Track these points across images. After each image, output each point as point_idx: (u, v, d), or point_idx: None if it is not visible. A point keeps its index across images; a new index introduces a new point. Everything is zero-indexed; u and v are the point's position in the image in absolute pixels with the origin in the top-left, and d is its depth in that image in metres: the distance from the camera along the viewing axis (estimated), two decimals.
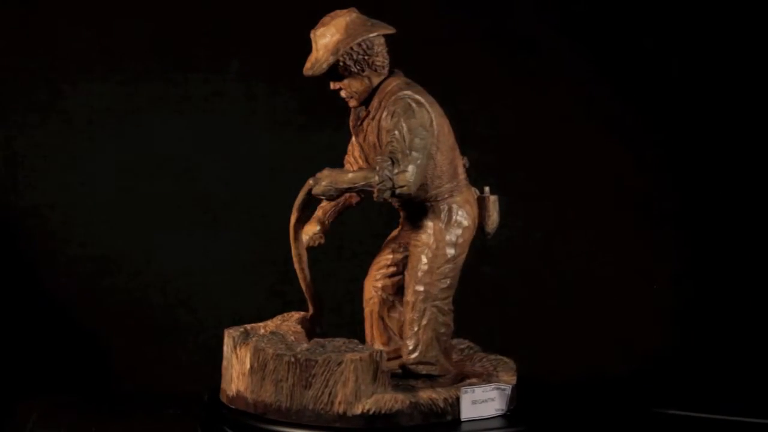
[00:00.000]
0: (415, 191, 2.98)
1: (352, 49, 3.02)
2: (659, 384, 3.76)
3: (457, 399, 2.93)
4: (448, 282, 3.05)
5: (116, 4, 4.06)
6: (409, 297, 3.06)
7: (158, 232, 4.06)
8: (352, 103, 3.09)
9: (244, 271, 4.07)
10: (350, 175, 2.99)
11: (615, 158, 4.12)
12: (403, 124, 2.98)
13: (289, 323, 3.17)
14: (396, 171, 2.95)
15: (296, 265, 3.18)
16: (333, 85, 3.09)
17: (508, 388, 2.96)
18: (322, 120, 4.01)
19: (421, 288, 3.04)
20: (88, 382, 3.75)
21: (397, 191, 2.96)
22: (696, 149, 4.10)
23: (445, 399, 2.93)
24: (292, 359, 2.92)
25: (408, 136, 2.97)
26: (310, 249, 3.19)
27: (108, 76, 4.06)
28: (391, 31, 3.07)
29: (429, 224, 3.07)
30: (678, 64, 4.11)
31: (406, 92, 3.01)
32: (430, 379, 3.03)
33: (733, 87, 4.08)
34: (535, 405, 3.10)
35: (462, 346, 3.22)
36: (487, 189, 3.12)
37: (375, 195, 2.97)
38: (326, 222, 3.23)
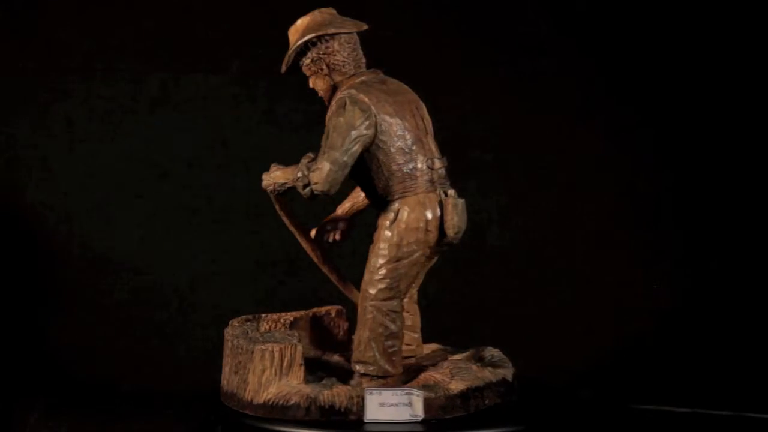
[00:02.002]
0: (330, 190, 2.94)
1: (308, 47, 3.03)
2: (658, 383, 3.76)
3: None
4: (388, 282, 2.97)
5: (116, 4, 4.06)
6: (360, 295, 3.06)
7: (158, 231, 4.06)
8: (326, 102, 3.10)
9: (244, 271, 4.07)
10: (285, 171, 3.02)
11: (615, 158, 4.13)
12: (332, 122, 2.96)
13: (289, 316, 3.20)
14: (312, 168, 2.95)
15: (311, 255, 3.18)
16: (310, 83, 3.12)
17: (421, 395, 2.89)
18: (322, 120, 4.00)
19: (364, 286, 3.01)
20: (88, 382, 3.75)
21: (312, 189, 2.95)
22: (696, 150, 4.11)
23: (351, 398, 2.90)
24: (231, 344, 3.02)
25: (332, 134, 2.95)
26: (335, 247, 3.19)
27: (108, 76, 4.06)
28: (344, 30, 3.04)
29: (379, 224, 3.03)
30: (678, 64, 4.11)
31: (351, 90, 2.99)
32: (370, 379, 2.99)
33: (733, 87, 4.08)
34: (534, 405, 3.10)
35: (485, 354, 3.15)
36: (451, 192, 3.00)
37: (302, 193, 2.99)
38: (342, 219, 3.22)
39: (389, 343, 3.00)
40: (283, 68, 3.09)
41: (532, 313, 4.03)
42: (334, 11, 3.12)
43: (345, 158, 2.94)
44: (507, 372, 3.07)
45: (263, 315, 3.20)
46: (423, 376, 3.02)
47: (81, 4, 4.06)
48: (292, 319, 3.18)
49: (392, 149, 2.98)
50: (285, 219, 3.16)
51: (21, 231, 4.03)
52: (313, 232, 3.20)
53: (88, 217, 4.05)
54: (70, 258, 4.03)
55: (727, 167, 4.08)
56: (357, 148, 2.95)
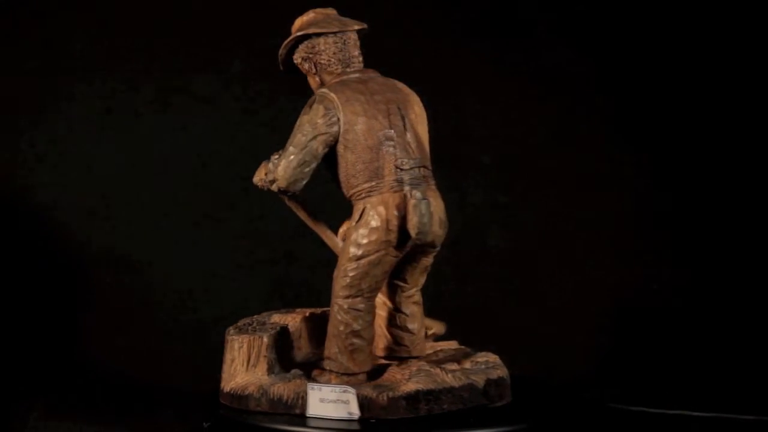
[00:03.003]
0: (290, 187, 3.01)
1: (297, 48, 3.10)
2: (657, 383, 3.77)
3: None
4: (348, 281, 3.00)
5: (116, 5, 4.06)
6: None
7: (158, 231, 4.06)
8: None
9: (244, 270, 4.07)
10: (266, 167, 3.08)
11: (614, 158, 4.13)
12: (299, 119, 3.03)
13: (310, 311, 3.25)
14: (276, 165, 3.03)
15: (334, 250, 3.19)
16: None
17: (354, 393, 2.91)
18: None
19: (333, 284, 3.05)
20: (88, 382, 3.76)
21: (277, 185, 3.03)
22: (696, 150, 4.11)
23: (297, 393, 2.96)
24: (226, 335, 3.12)
25: (295, 132, 3.02)
26: None
27: (108, 76, 4.06)
28: (326, 30, 3.08)
29: (350, 223, 3.06)
30: (678, 64, 4.11)
31: (324, 89, 3.04)
32: (336, 375, 3.02)
33: (733, 87, 4.08)
34: (534, 405, 3.10)
35: (478, 359, 3.13)
36: (416, 193, 2.97)
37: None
38: None
39: (350, 341, 3.01)
40: (281, 67, 3.15)
41: (532, 312, 4.03)
42: (332, 11, 3.14)
43: (303, 155, 2.99)
44: (479, 379, 3.02)
45: (298, 309, 3.23)
46: (385, 375, 3.03)
47: (81, 5, 4.06)
48: (307, 313, 3.20)
49: (358, 148, 3.00)
50: (301, 215, 3.17)
51: (19, 230, 4.03)
52: (341, 231, 3.20)
53: (87, 217, 4.05)
54: (70, 257, 4.03)
55: (728, 167, 4.08)
56: (317, 146, 3.00)
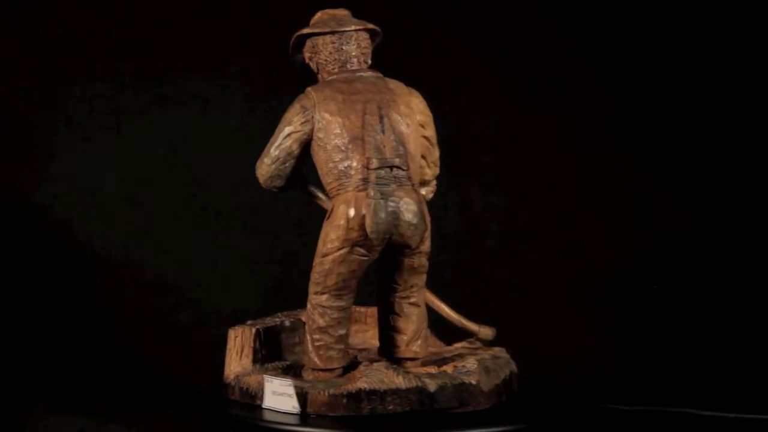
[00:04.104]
0: (267, 183, 3.10)
1: (304, 47, 3.17)
2: (657, 384, 3.77)
3: None
4: (315, 277, 3.05)
5: (116, 4, 4.07)
6: None
7: (158, 231, 4.06)
8: None
9: (244, 270, 4.07)
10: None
11: (615, 158, 4.13)
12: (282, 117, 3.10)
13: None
14: (259, 162, 3.11)
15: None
16: None
17: (292, 386, 2.96)
18: None
19: None
20: (87, 382, 3.75)
21: (260, 182, 3.12)
22: (697, 149, 4.11)
23: (259, 384, 3.05)
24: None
25: (276, 130, 3.09)
26: None
27: (108, 76, 4.06)
28: (319, 30, 3.12)
29: None
30: (677, 64, 4.11)
31: (309, 88, 3.10)
32: (311, 370, 3.07)
33: (731, 86, 4.08)
34: (535, 404, 3.10)
35: (457, 363, 3.11)
36: (373, 193, 2.97)
37: None
38: None
39: (316, 336, 3.06)
40: (295, 67, 3.21)
41: (532, 313, 4.03)
42: (341, 12, 3.18)
43: (278, 153, 3.07)
44: (432, 382, 2.99)
45: None
46: (348, 373, 3.06)
47: (81, 5, 4.06)
48: None
49: (329, 147, 3.03)
50: (299, 190, 3.19)
51: (20, 230, 4.03)
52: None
53: (87, 217, 4.05)
54: (70, 257, 4.03)
55: (729, 168, 4.09)
56: (290, 144, 3.06)
